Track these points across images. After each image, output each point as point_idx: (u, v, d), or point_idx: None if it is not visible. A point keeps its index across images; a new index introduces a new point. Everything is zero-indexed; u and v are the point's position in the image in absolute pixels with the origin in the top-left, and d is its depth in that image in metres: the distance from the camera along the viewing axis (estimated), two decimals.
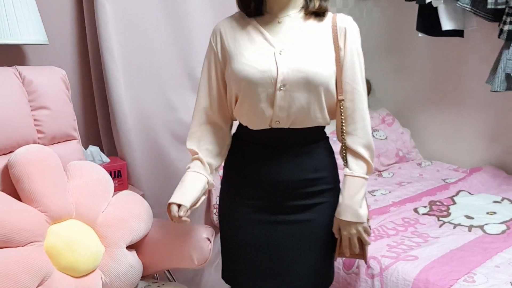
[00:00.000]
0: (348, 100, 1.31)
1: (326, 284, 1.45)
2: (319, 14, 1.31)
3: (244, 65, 1.26)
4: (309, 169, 1.33)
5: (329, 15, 1.32)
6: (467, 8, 2.20)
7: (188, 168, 1.35)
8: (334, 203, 1.35)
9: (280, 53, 1.25)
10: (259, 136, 1.33)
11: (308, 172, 1.33)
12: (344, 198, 1.32)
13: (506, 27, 2.09)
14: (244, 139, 1.39)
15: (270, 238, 1.35)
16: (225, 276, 1.50)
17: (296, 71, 1.23)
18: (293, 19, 1.30)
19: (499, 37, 2.14)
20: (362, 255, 1.41)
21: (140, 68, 1.95)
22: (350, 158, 1.34)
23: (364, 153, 1.32)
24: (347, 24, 1.30)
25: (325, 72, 1.26)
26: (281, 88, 1.24)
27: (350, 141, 1.33)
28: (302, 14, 1.31)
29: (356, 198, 1.31)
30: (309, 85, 1.24)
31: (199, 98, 1.39)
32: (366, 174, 1.33)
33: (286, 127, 1.30)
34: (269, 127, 1.30)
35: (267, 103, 1.26)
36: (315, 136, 1.36)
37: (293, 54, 1.25)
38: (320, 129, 1.37)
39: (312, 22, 1.31)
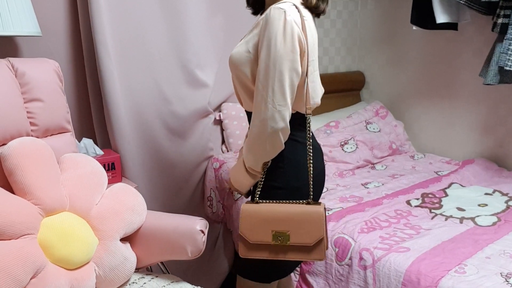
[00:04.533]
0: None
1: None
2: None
3: None
4: None
5: None
6: (461, 1, 2.20)
7: None
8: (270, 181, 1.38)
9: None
10: None
11: None
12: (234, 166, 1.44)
13: (500, 20, 2.09)
14: None
15: None
16: None
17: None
18: None
19: (492, 30, 2.14)
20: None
21: (134, 61, 1.94)
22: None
23: (245, 158, 1.35)
24: (268, 12, 1.25)
25: (236, 57, 1.33)
26: (231, 71, 1.39)
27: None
28: None
29: (233, 170, 1.44)
30: (231, 69, 1.37)
31: None
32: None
33: (243, 108, 1.44)
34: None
35: None
36: None
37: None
38: None
39: None
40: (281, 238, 1.31)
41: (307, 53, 1.28)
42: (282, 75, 1.23)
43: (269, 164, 1.36)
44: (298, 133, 1.36)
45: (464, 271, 1.46)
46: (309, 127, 1.34)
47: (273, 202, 1.35)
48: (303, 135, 1.37)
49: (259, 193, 1.37)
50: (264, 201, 1.36)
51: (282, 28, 1.22)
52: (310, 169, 1.33)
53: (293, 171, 1.36)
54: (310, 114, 1.33)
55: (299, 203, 1.33)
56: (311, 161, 1.33)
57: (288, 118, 1.27)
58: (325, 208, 1.34)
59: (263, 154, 1.31)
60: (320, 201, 1.43)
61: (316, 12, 1.37)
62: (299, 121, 1.36)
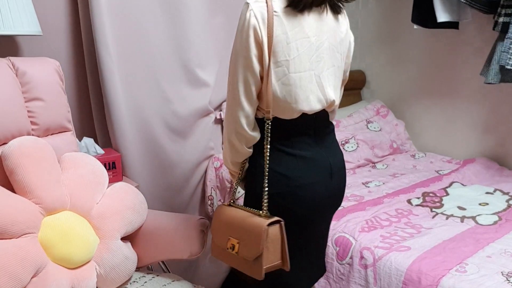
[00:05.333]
0: None
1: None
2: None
3: None
4: None
5: None
6: (462, 0, 2.20)
7: None
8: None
9: None
10: None
11: None
12: None
13: (501, 19, 2.09)
14: None
15: None
16: None
17: None
18: None
19: (493, 29, 2.14)
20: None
21: (135, 60, 1.94)
22: None
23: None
24: None
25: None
26: None
27: None
28: None
29: None
30: None
31: None
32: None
33: None
34: None
35: None
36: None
37: None
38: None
39: None
40: (232, 246, 1.23)
41: (268, 51, 1.15)
42: (237, 73, 1.18)
43: (246, 166, 1.32)
44: (279, 140, 1.26)
45: (465, 270, 1.46)
46: (267, 131, 1.22)
47: (239, 207, 1.28)
48: (285, 143, 1.26)
49: (233, 195, 1.35)
50: (236, 204, 1.31)
51: (242, 24, 1.16)
52: (265, 176, 1.23)
53: (261, 177, 1.26)
54: (269, 120, 1.22)
55: (254, 212, 1.23)
56: (267, 167, 1.23)
57: (242, 119, 1.20)
58: (281, 225, 1.20)
59: (227, 153, 1.30)
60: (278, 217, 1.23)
61: (298, 5, 1.17)
62: (279, 128, 1.25)
